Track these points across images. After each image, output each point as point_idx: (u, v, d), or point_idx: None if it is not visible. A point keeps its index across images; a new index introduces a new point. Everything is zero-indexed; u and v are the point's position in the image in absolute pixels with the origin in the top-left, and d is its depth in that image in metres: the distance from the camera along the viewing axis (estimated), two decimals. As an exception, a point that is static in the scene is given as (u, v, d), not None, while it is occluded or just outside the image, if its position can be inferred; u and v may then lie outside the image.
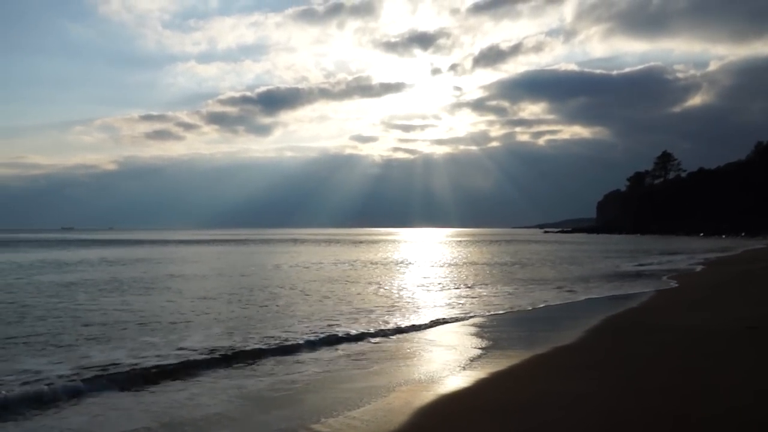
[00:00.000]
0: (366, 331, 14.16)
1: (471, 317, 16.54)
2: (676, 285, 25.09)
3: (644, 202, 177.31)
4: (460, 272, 33.50)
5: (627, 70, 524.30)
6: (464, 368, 10.25)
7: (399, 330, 14.36)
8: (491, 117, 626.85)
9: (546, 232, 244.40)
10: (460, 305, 19.29)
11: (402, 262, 43.07)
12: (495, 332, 13.91)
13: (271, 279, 28.77)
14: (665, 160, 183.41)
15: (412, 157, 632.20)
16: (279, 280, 28.29)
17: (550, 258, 49.44)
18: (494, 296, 21.91)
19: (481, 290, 23.99)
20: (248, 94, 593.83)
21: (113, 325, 14.81)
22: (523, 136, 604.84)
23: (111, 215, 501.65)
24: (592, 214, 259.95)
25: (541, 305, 19.17)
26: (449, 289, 24.55)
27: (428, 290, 23.90)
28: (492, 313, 17.42)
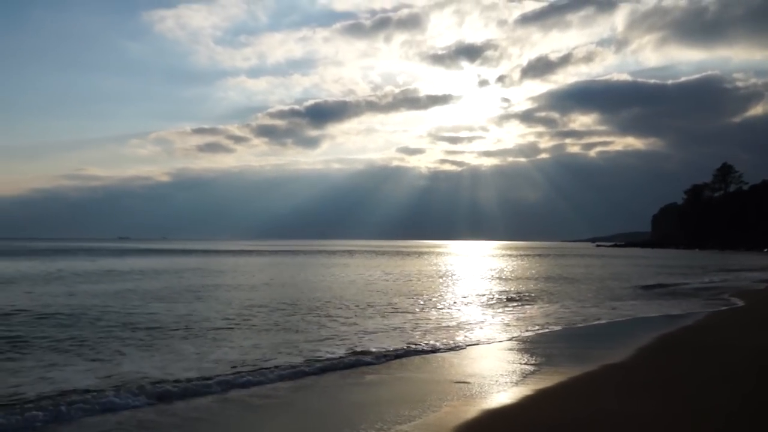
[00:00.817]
0: (416, 346, 14.13)
1: (523, 333, 16.37)
2: (740, 303, 24.39)
3: (703, 216, 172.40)
4: (510, 286, 33.16)
5: (683, 79, 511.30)
6: (516, 384, 10.16)
7: (449, 346, 14.28)
8: (540, 128, 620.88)
9: (598, 245, 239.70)
10: (512, 320, 19.15)
11: (451, 276, 42.84)
12: (547, 348, 13.75)
13: (318, 290, 28.96)
14: (725, 172, 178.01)
15: (459, 169, 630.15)
16: (326, 291, 28.44)
17: (602, 273, 48.51)
18: (546, 311, 21.66)
19: (532, 305, 23.72)
20: (296, 107, 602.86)
21: (154, 332, 15.44)
22: (573, 147, 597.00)
23: (164, 225, 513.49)
24: (647, 228, 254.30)
25: (594, 322, 18.85)
26: (500, 303, 24.30)
27: (478, 305, 23.72)
28: (544, 329, 17.20)
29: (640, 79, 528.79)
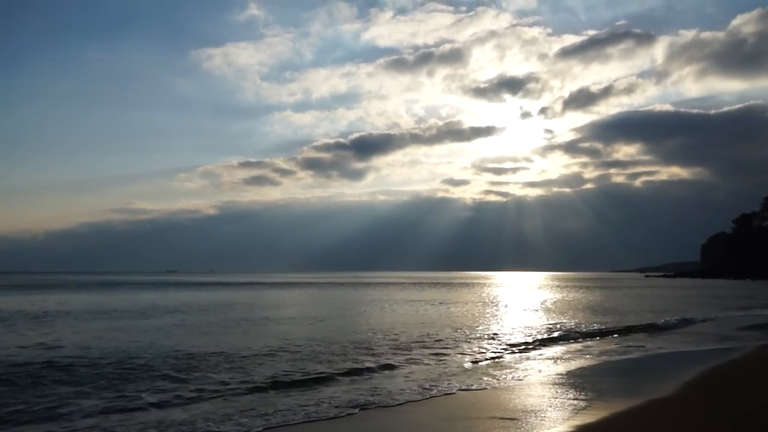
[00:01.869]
0: (463, 381, 14.16)
1: (574, 366, 16.33)
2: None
3: (753, 245, 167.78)
4: (560, 318, 32.84)
5: (725, 109, 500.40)
6: (561, 421, 10.12)
7: (497, 380, 14.27)
8: (584, 159, 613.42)
9: (647, 276, 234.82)
10: (562, 353, 19.13)
11: (499, 307, 42.59)
12: (596, 382, 13.70)
13: (364, 323, 29.16)
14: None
15: (504, 199, 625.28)
16: (371, 323, 28.59)
17: (651, 304, 47.61)
18: (595, 344, 21.55)
19: (584, 339, 23.53)
20: (341, 140, 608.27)
21: (188, 362, 15.71)
22: (618, 177, 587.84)
23: (211, 258, 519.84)
24: (695, 258, 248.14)
25: (642, 354, 18.64)
26: (549, 336, 24.13)
27: (527, 337, 23.61)
28: (593, 362, 17.11)
29: (682, 110, 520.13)
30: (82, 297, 54.91)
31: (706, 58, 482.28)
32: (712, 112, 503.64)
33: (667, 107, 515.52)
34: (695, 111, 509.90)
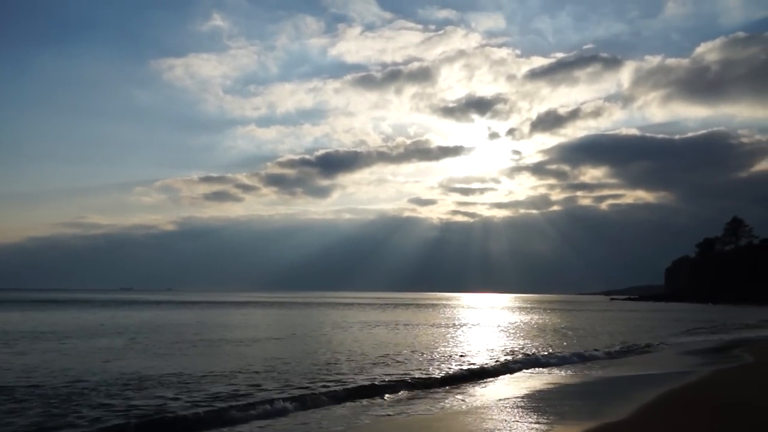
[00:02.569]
0: (425, 402, 14.13)
1: (533, 388, 16.46)
2: (751, 360, 24.06)
3: (715, 269, 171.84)
4: (524, 340, 33.10)
5: (689, 134, 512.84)
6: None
7: (460, 402, 14.26)
8: (551, 181, 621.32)
9: (612, 299, 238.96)
10: (523, 375, 19.29)
11: (462, 329, 42.74)
12: (556, 404, 13.87)
13: (324, 345, 29.10)
14: (736, 226, 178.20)
15: (471, 220, 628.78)
16: (333, 346, 28.56)
17: (614, 327, 48.29)
18: (557, 365, 21.76)
19: (546, 360, 23.76)
20: (307, 156, 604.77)
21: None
22: (584, 200, 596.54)
23: (169, 276, 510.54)
24: (660, 281, 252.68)
25: (600, 377, 18.92)
26: (513, 358, 24.31)
27: (490, 359, 23.75)
28: (552, 385, 17.30)
29: (648, 134, 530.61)
30: (28, 315, 53.53)
31: (670, 84, 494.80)
32: (677, 137, 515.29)
33: (633, 131, 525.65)
34: (660, 136, 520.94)
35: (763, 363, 22.97)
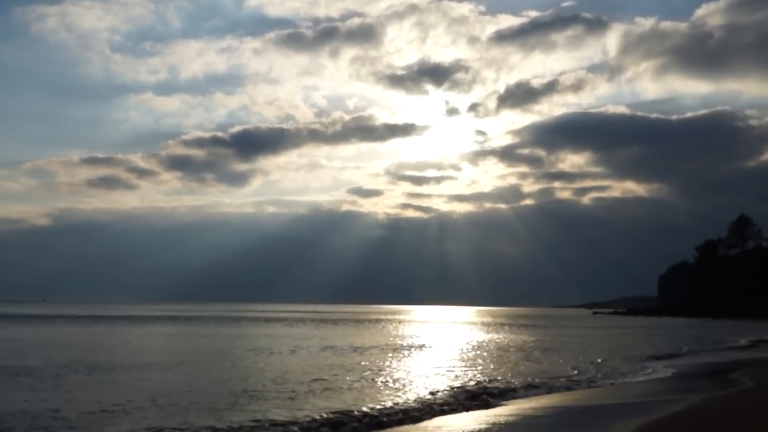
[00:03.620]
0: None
1: (493, 421, 16.94)
2: (751, 384, 25.01)
3: (718, 278, 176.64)
4: (483, 363, 33.83)
5: (689, 115, 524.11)
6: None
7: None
8: (523, 168, 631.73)
9: (595, 313, 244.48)
10: (483, 404, 19.89)
11: (411, 350, 43.38)
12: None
13: (244, 368, 29.19)
14: (743, 225, 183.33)
15: (425, 216, 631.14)
16: (251, 371, 28.71)
17: (594, 347, 49.66)
18: (521, 396, 22.54)
19: (504, 388, 24.39)
20: (219, 134, 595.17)
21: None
22: (563, 192, 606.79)
23: (43, 282, 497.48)
24: (652, 292, 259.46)
25: (571, 406, 19.67)
26: (476, 386, 24.86)
27: (444, 387, 24.23)
28: (517, 418, 17.87)
29: (639, 113, 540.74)
30: None
31: (666, 52, 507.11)
32: (674, 117, 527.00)
33: (622, 110, 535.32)
34: (654, 116, 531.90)
35: (764, 388, 23.83)
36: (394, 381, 25.64)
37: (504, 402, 21.06)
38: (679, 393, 22.91)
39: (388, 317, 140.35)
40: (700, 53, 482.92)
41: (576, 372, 30.57)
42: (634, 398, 21.75)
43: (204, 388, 22.41)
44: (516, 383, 25.50)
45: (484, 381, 25.98)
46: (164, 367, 29.74)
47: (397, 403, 19.57)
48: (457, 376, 27.51)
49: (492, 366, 32.79)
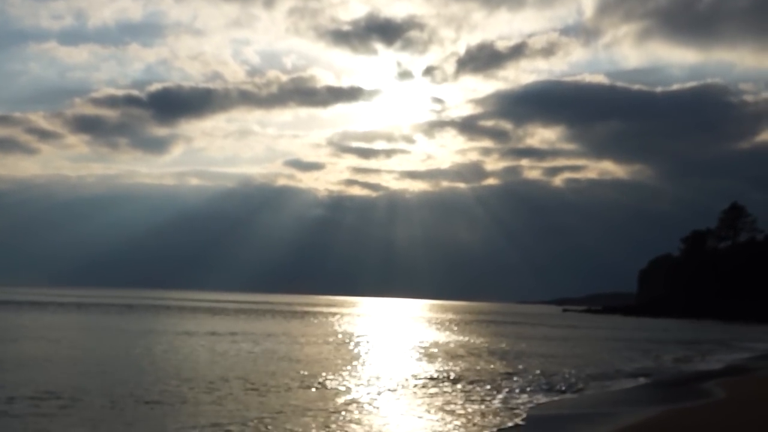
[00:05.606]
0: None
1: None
2: (723, 395, 25.83)
3: (704, 274, 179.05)
4: (430, 363, 34.41)
5: (675, 87, 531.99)
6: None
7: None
8: (486, 143, 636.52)
9: (566, 310, 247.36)
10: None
11: (350, 349, 43.85)
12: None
13: (154, 368, 29.34)
14: (734, 215, 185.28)
15: (373, 194, 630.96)
16: (167, 370, 28.85)
17: (555, 350, 50.69)
18: (474, 405, 22.77)
19: (461, 396, 24.87)
20: (135, 92, 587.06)
21: None
22: (532, 171, 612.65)
23: None
24: (631, 288, 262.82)
25: (516, 419, 20.03)
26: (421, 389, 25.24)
27: (390, 393, 24.57)
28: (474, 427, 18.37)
29: (619, 83, 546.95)
30: None
31: (649, 14, 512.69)
32: (659, 89, 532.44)
33: (600, 79, 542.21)
34: (636, 87, 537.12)
35: (736, 401, 24.52)
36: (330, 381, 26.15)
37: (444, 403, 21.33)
38: (639, 405, 23.58)
39: (328, 309, 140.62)
40: (688, 17, 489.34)
41: (527, 379, 30.78)
42: (590, 408, 22.42)
43: (104, 391, 22.61)
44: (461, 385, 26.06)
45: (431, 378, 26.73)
46: (56, 364, 29.95)
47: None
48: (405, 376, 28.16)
49: (443, 363, 33.17)
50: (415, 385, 26.60)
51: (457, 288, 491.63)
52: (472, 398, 23.76)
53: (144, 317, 77.71)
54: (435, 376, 29.91)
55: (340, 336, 56.72)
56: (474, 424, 18.91)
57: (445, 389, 25.90)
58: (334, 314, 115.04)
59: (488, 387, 26.73)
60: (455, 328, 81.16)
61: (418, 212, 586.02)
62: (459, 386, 26.84)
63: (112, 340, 44.10)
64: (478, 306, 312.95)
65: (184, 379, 25.58)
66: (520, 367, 35.63)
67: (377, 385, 26.28)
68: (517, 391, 26.04)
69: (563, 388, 27.97)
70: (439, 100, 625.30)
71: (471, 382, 27.99)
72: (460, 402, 22.81)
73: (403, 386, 26.13)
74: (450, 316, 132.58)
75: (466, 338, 60.53)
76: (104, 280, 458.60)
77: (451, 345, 51.06)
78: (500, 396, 24.59)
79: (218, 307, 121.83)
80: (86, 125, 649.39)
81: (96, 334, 48.82)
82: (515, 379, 30.18)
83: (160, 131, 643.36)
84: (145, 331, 54.30)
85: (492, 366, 35.66)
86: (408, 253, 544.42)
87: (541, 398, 24.74)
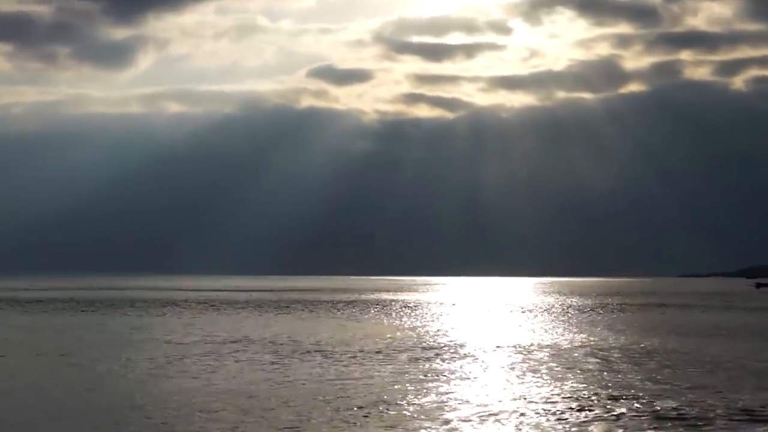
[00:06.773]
0: None
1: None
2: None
3: None
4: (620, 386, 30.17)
5: None
6: None
7: None
8: (623, 28, 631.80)
9: (760, 286, 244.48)
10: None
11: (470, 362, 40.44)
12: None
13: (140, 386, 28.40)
14: None
15: (449, 115, 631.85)
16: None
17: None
18: None
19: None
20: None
21: None
22: (697, 69, 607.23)
23: None
24: None
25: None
26: None
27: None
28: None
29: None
30: None
31: None
32: None
33: None
34: None
35: None
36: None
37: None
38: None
39: (390, 297, 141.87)
40: None
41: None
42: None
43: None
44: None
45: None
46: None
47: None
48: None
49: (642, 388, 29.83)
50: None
51: (584, 259, 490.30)
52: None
53: (107, 315, 78.28)
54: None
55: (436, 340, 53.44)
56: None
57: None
58: (407, 305, 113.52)
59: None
60: (606, 320, 79.92)
61: (520, 141, 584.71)
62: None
63: (77, 353, 42.41)
64: (619, 284, 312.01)
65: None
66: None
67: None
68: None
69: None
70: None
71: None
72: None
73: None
74: (589, 301, 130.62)
75: (635, 336, 57.86)
76: (48, 264, 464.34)
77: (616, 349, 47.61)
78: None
79: (222, 298, 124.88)
80: (12, 30, 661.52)
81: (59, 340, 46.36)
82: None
83: (118, 33, 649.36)
84: (117, 331, 53.20)
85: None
86: (504, 207, 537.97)
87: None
